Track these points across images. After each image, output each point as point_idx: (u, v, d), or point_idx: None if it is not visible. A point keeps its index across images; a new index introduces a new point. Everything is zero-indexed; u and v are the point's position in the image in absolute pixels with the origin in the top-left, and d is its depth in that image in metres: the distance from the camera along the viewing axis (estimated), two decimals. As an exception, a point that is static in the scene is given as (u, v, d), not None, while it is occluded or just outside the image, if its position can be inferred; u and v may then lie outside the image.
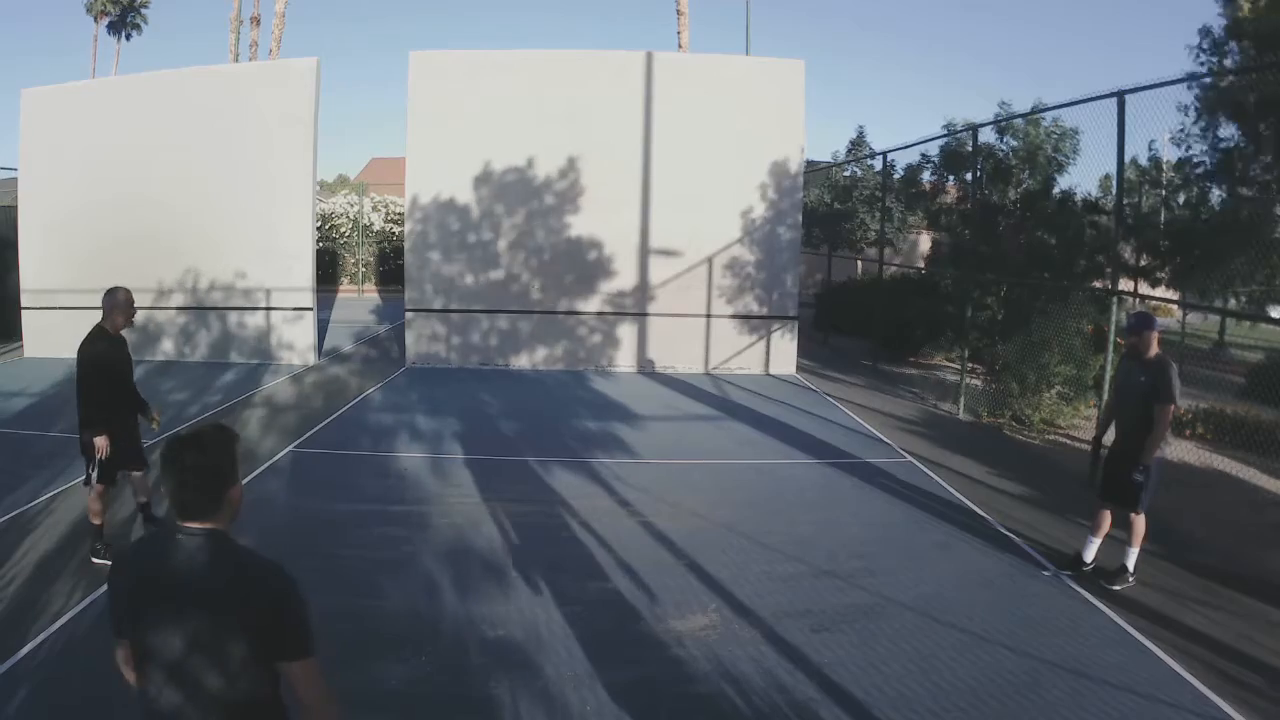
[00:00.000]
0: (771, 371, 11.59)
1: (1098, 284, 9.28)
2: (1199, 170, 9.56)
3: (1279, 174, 8.48)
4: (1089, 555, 4.94)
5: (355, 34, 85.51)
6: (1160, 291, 11.13)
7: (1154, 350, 4.81)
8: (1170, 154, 10.51)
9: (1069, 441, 8.18)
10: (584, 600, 4.47)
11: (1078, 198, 10.65)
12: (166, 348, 11.80)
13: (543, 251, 11.55)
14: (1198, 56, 9.42)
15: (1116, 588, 4.70)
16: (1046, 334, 8.59)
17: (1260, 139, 8.69)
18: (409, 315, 11.72)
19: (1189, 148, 9.41)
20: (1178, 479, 6.92)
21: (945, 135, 11.73)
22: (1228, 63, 9.05)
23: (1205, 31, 9.22)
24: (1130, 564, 4.78)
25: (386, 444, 7.60)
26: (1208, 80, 8.79)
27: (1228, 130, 8.95)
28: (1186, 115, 9.02)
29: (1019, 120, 10.65)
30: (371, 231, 22.71)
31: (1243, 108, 8.43)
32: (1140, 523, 4.79)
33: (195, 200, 11.38)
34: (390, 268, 21.62)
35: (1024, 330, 8.95)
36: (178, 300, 11.66)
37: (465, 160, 11.40)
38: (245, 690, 1.82)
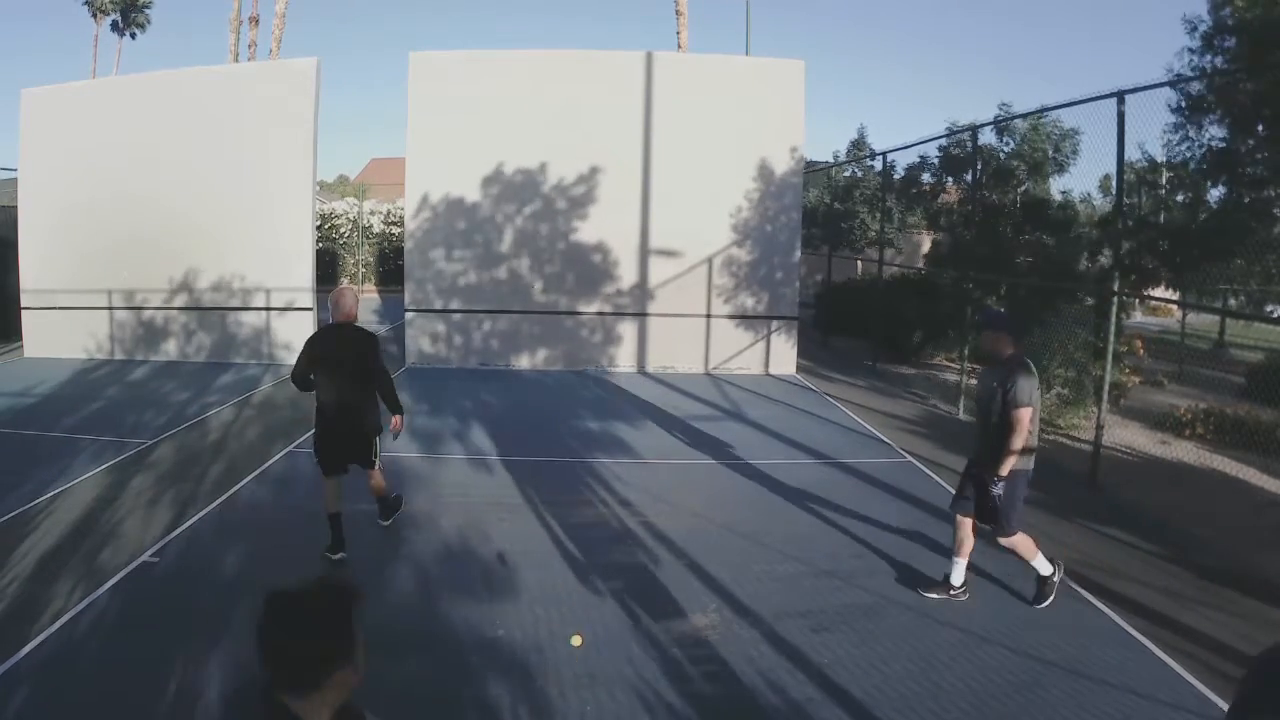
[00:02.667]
0: (771, 371, 11.59)
1: (1104, 288, 9.26)
2: (1193, 169, 9.54)
3: (1275, 171, 8.44)
4: (956, 578, 4.51)
5: (355, 34, 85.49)
6: (1160, 291, 11.11)
7: (1009, 351, 4.37)
8: (1162, 154, 10.46)
9: (1069, 442, 8.18)
10: (584, 600, 4.47)
11: (1079, 201, 10.67)
12: (166, 348, 11.79)
13: (543, 251, 11.55)
14: (1185, 57, 9.39)
15: (1041, 605, 4.39)
16: (1047, 335, 8.60)
17: (1258, 137, 8.66)
18: (409, 315, 11.72)
19: (1180, 147, 9.37)
20: (1177, 479, 6.94)
21: (945, 135, 11.74)
22: (1218, 60, 9.00)
23: (1192, 27, 9.16)
24: (1045, 578, 4.45)
25: (385, 444, 7.59)
26: (1196, 78, 8.76)
27: (1218, 130, 8.92)
28: (1180, 114, 8.99)
29: (1018, 121, 10.66)
30: (371, 233, 22.73)
31: (1236, 106, 8.39)
32: (1019, 544, 4.38)
33: (195, 200, 11.38)
34: (390, 268, 21.63)
35: (1024, 331, 8.95)
36: (177, 300, 11.66)
37: (465, 160, 11.40)
38: None
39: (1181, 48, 9.26)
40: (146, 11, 42.18)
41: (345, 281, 22.58)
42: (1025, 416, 4.20)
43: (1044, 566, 4.45)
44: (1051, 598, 4.43)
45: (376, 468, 5.25)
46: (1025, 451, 4.29)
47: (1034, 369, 4.32)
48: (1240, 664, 3.89)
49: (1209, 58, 8.84)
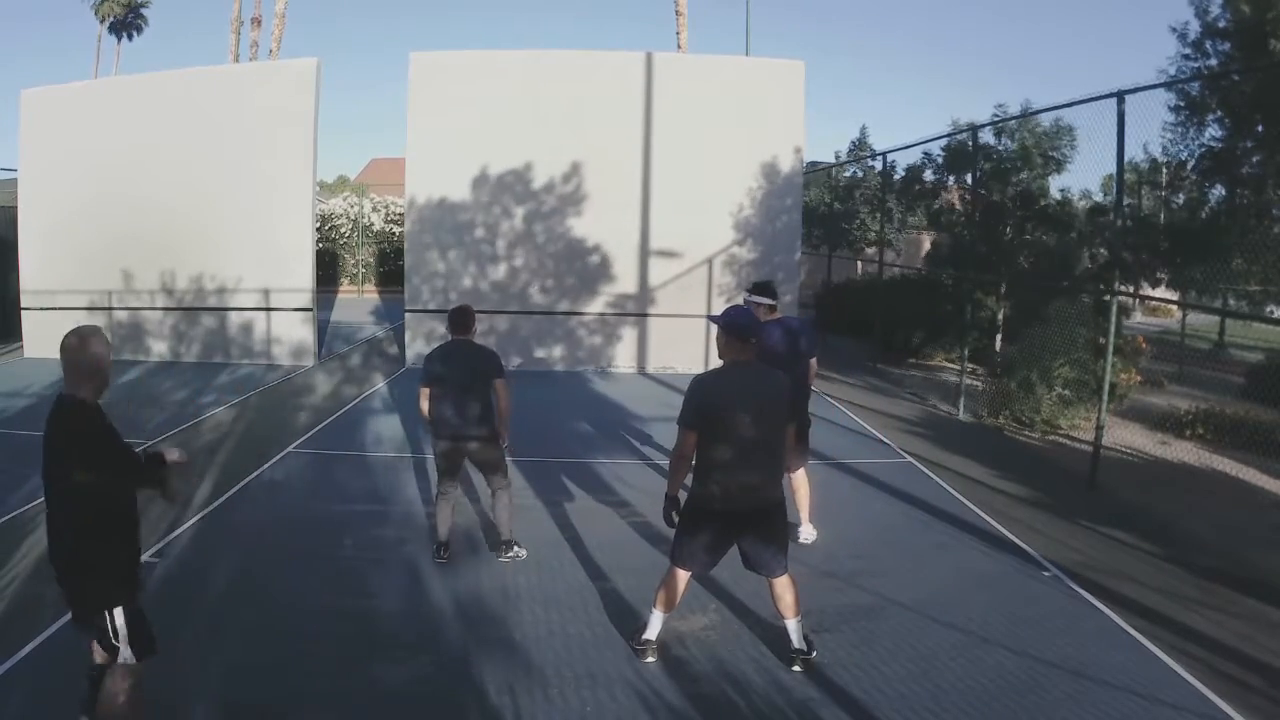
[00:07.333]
0: (771, 372, 11.56)
1: (1102, 288, 9.27)
2: (1192, 169, 9.56)
3: (1274, 170, 8.46)
4: (651, 632, 3.85)
5: (355, 34, 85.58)
6: (1160, 291, 11.10)
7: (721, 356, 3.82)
8: (1161, 154, 10.46)
9: (1069, 442, 8.18)
10: (584, 600, 4.47)
11: (1078, 198, 10.68)
12: (164, 348, 11.80)
13: (542, 252, 11.55)
14: (1178, 63, 9.42)
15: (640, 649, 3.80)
16: (1049, 335, 8.59)
17: (1258, 137, 8.68)
18: (408, 316, 11.72)
19: (1178, 147, 9.39)
20: (1177, 479, 6.93)
21: (944, 135, 11.75)
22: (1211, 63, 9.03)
23: (1181, 34, 9.17)
24: (639, 631, 3.86)
25: (386, 445, 7.60)
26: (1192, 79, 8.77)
27: (1216, 130, 8.93)
28: (1177, 114, 9.01)
29: (1017, 121, 10.66)
30: (371, 232, 22.71)
31: (1232, 105, 8.40)
32: (669, 579, 3.81)
33: (195, 200, 11.37)
34: (390, 268, 21.61)
35: (1026, 331, 8.94)
36: (177, 300, 11.66)
37: (465, 161, 11.40)
38: None
39: (1175, 53, 9.31)
40: (143, 12, 42.27)
41: (345, 283, 22.55)
42: (678, 435, 3.88)
43: (653, 626, 3.85)
44: (644, 653, 3.83)
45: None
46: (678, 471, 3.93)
47: (700, 378, 3.91)
48: (1240, 664, 3.89)
49: (1201, 62, 8.87)
